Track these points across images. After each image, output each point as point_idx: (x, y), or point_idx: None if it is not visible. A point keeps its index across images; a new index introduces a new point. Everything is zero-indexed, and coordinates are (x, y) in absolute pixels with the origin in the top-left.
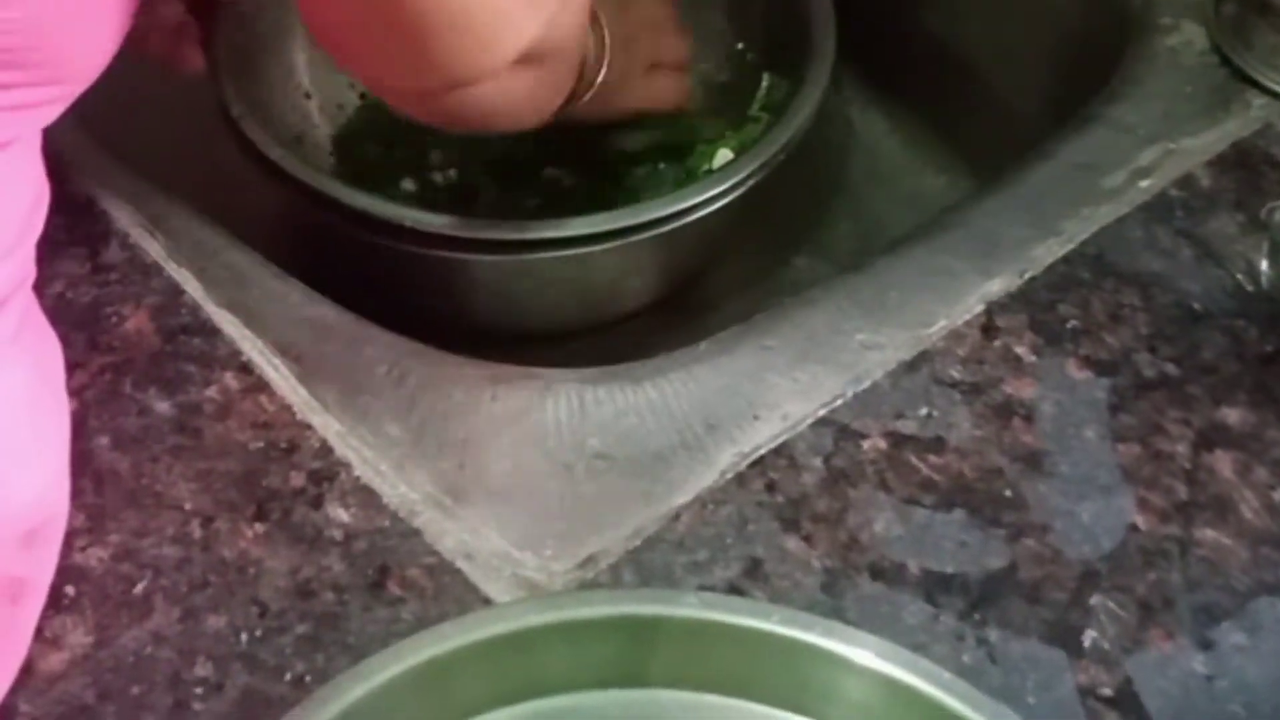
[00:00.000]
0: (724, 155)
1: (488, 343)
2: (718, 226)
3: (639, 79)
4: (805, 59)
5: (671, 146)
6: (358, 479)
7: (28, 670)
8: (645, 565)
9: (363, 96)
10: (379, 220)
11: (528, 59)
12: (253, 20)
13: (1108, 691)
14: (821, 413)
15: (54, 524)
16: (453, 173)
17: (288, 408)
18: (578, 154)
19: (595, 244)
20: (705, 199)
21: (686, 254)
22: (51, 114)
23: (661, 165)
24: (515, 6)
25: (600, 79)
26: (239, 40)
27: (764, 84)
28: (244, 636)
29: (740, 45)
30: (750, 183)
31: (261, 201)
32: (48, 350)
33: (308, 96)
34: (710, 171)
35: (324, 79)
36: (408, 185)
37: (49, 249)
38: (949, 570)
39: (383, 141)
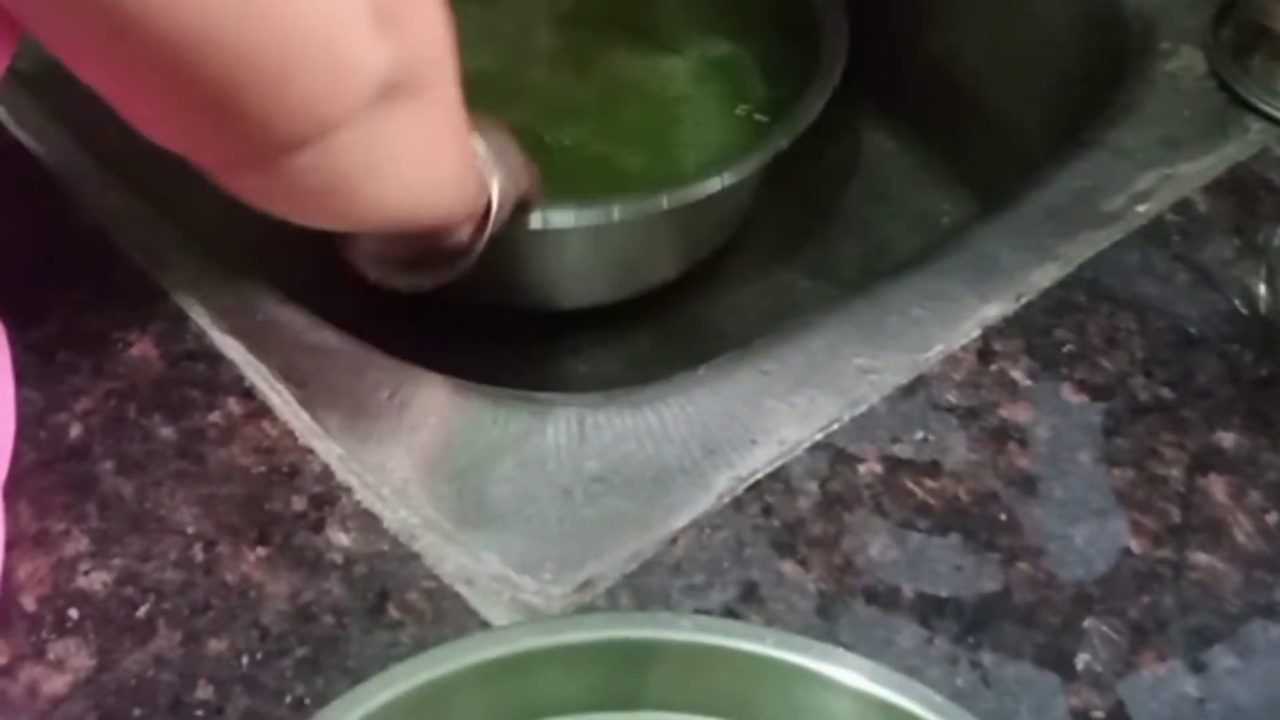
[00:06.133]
0: None
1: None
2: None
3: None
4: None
5: None
6: (359, 503)
7: (31, 693)
8: (642, 589)
9: None
10: None
11: (394, 90)
12: None
13: (1100, 715)
14: (818, 437)
15: None
16: None
17: (290, 433)
18: None
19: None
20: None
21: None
22: None
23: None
24: (349, 26)
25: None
26: None
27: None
28: (245, 660)
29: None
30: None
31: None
32: None
33: None
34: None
35: None
36: None
37: (56, 275)
38: (943, 594)
39: None
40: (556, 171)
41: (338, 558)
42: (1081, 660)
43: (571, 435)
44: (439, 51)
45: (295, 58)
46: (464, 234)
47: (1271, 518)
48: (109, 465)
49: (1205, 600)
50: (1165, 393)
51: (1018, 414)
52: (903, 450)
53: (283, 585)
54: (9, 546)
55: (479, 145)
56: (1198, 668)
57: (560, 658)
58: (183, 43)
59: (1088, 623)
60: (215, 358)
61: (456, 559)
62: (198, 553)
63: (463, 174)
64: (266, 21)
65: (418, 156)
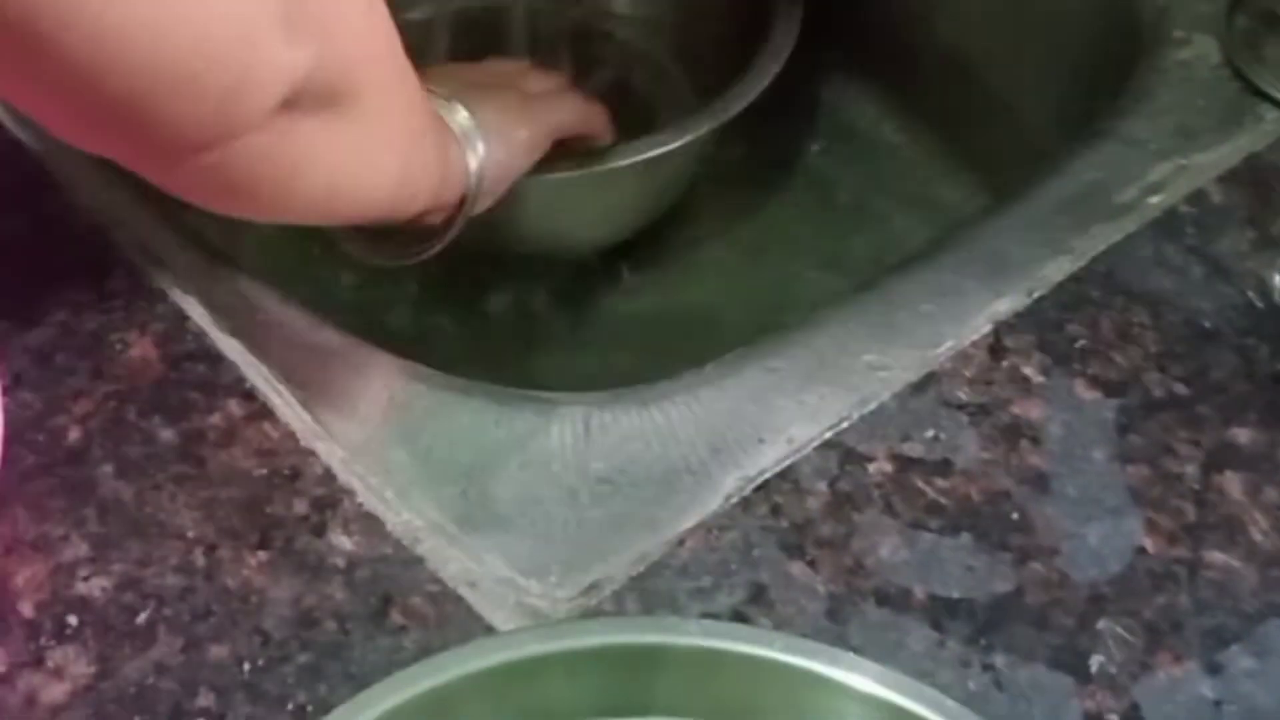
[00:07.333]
0: None
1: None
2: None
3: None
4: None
5: None
6: (361, 506)
7: (30, 702)
8: (649, 592)
9: None
10: None
11: (309, 102)
12: None
13: (1115, 717)
14: (827, 435)
15: None
16: None
17: (291, 434)
18: None
19: None
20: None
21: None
22: None
23: None
24: (260, 36)
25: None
26: None
27: None
28: (246, 666)
29: None
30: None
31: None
32: None
33: None
34: None
35: None
36: None
37: (55, 276)
38: (955, 595)
39: None
40: None
41: (340, 561)
42: (1096, 662)
43: (577, 435)
44: (369, 56)
45: (203, 67)
46: (436, 217)
47: None
48: (108, 469)
49: (1221, 600)
50: (1180, 388)
51: (1030, 411)
52: (913, 449)
53: (284, 590)
54: (7, 552)
55: (460, 123)
56: (1214, 669)
57: (566, 663)
58: (94, 57)
59: (1102, 624)
60: (215, 359)
61: (460, 562)
62: (198, 557)
63: (405, 174)
64: (175, 33)
65: (341, 160)
